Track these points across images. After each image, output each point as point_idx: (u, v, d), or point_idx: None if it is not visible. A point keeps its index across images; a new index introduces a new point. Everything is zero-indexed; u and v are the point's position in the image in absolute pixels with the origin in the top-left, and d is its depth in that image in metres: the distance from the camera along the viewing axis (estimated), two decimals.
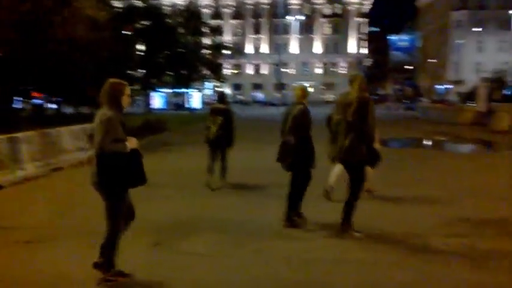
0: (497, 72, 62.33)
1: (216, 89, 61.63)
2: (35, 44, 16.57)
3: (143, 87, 41.02)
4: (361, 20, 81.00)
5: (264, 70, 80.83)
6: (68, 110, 29.40)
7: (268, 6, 79.55)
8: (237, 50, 76.01)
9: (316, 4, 79.54)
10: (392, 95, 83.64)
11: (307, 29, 79.81)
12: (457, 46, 72.95)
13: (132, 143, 3.83)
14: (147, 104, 44.86)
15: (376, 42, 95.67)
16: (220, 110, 8.10)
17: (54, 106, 31.28)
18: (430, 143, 17.60)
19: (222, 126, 7.86)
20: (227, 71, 68.71)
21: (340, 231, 5.22)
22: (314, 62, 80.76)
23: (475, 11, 71.43)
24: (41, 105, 32.88)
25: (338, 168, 6.45)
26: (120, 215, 3.85)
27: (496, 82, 58.02)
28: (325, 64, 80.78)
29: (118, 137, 3.73)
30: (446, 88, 68.25)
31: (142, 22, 40.09)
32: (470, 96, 46.20)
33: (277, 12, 78.06)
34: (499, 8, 69.81)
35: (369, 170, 5.71)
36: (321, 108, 47.42)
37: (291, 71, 78.69)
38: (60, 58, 17.56)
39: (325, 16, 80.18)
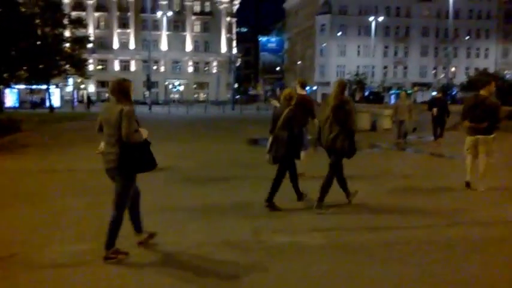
0: (358, 75, 67.93)
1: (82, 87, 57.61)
2: None
3: None
4: (230, 19, 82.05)
5: (132, 67, 77.53)
6: None
7: (134, 0, 76.30)
8: (102, 44, 72.01)
9: (186, 1, 78.53)
10: (263, 95, 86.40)
11: (178, 25, 78.34)
12: (322, 49, 77.79)
13: (144, 133, 4.41)
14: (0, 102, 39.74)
15: (246, 43, 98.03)
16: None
17: None
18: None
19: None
20: (92, 66, 64.33)
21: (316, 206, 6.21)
22: (185, 60, 79.69)
23: (338, 16, 76.65)
24: None
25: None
26: (129, 195, 4.46)
27: (357, 84, 63.24)
28: (196, 63, 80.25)
29: (136, 128, 4.29)
30: (312, 89, 72.46)
31: None
32: None
33: (145, 6, 75.19)
34: (360, 14, 75.88)
35: (302, 156, 7.18)
36: (195, 108, 46.08)
37: (161, 68, 76.63)
38: None
39: (195, 14, 79.58)
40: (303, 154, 7.49)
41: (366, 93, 61.93)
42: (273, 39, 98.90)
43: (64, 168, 10.21)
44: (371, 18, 68.16)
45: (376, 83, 70.76)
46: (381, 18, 69.01)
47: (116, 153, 4.30)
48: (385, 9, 76.63)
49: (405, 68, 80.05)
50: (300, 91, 8.24)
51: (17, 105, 45.45)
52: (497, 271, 4.38)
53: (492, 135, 7.52)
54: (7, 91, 44.32)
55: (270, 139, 6.41)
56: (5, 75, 38.19)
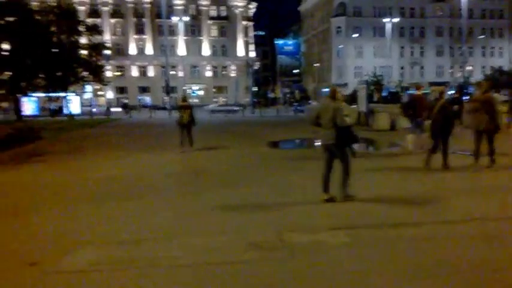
0: (375, 76, 66.85)
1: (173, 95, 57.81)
2: None
3: (10, 91, 36.20)
4: (247, 23, 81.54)
5: (150, 72, 77.45)
6: None
7: (150, 6, 76.28)
8: (119, 50, 72.11)
9: (202, 6, 78.25)
10: (281, 98, 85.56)
11: (194, 30, 78.20)
12: (338, 51, 76.95)
13: (348, 120, 6.56)
14: (16, 110, 39.65)
15: (263, 46, 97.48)
16: (186, 105, 14.14)
17: None
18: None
19: (189, 115, 13.74)
20: (109, 73, 64.35)
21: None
22: (203, 65, 79.40)
23: (353, 18, 75.98)
24: None
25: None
26: (349, 158, 6.64)
27: (375, 85, 62.11)
28: (214, 67, 79.85)
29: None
30: None
31: (6, 18, 35.29)
32: (353, 98, 48.44)
33: (161, 12, 75.11)
34: (374, 16, 75.16)
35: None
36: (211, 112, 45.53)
37: (179, 73, 76.36)
38: None
39: (211, 18, 79.26)
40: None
41: (384, 94, 60.71)
42: (290, 42, 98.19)
43: (86, 175, 10.03)
44: (386, 20, 67.33)
45: (393, 83, 69.93)
46: (395, 20, 68.12)
47: (333, 134, 6.46)
48: (399, 10, 76.48)
49: (422, 67, 79.68)
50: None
51: (36, 113, 45.41)
52: None
53: None
54: (25, 99, 44.26)
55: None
56: (21, 83, 38.10)
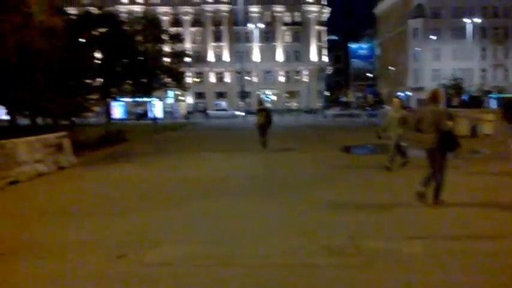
0: (455, 79, 64.19)
1: (253, 98, 60.72)
2: None
3: (102, 96, 39.77)
4: (320, 28, 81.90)
5: (227, 78, 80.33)
6: (24, 121, 27.83)
7: (228, 14, 79.20)
8: (199, 57, 75.53)
9: (277, 12, 79.87)
10: (354, 102, 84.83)
11: (268, 37, 79.95)
12: (415, 54, 74.74)
13: (449, 125, 6.52)
14: (107, 114, 43.47)
15: (337, 51, 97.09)
16: (262, 108, 15.99)
17: (7, 117, 29.55)
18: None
19: (265, 117, 15.32)
20: (189, 79, 67.74)
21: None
22: (277, 70, 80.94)
23: (431, 20, 73.52)
24: None
25: None
26: (443, 164, 6.60)
27: (454, 88, 59.77)
28: (287, 72, 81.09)
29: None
30: (406, 95, 69.73)
31: (99, 30, 38.94)
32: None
33: (237, 20, 77.77)
34: (453, 17, 72.15)
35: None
36: (287, 117, 46.82)
37: (253, 79, 78.53)
38: (10, 67, 16.41)
39: (285, 24, 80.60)
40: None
41: (464, 98, 58.17)
42: (364, 45, 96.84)
43: (169, 175, 10.78)
44: (466, 20, 64.26)
45: (474, 86, 66.49)
46: (477, 20, 64.74)
47: (435, 138, 6.41)
48: (481, 11, 72.46)
49: (506, 70, 74.84)
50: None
51: (124, 116, 49.20)
52: None
53: None
54: (115, 104, 48.16)
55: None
56: (111, 89, 41.60)
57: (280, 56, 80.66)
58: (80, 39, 30.96)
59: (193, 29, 79.56)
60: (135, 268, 4.52)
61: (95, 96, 35.65)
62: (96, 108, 45.37)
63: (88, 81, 33.32)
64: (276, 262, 4.60)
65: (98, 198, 8.18)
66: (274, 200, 7.61)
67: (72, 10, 39.78)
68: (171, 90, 54.86)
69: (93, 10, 41.50)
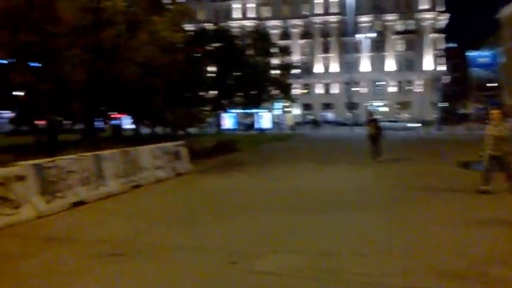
0: None
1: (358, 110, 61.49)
2: (113, 67, 17.02)
3: (214, 108, 41.74)
4: (436, 35, 77.73)
5: (334, 89, 79.59)
6: (145, 130, 30.23)
7: (337, 25, 78.66)
8: (306, 69, 75.97)
9: (388, 21, 77.49)
10: (474, 114, 78.88)
11: (378, 46, 77.85)
12: None
13: None
14: (218, 124, 45.51)
15: (454, 59, 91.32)
16: (372, 119, 16.61)
17: (131, 126, 32.32)
18: None
19: (376, 129, 15.75)
20: (296, 90, 68.31)
21: None
22: (386, 81, 78.36)
23: None
24: (118, 126, 34.25)
25: None
26: None
27: None
28: (399, 82, 78.06)
29: None
30: None
31: (213, 44, 41.09)
32: None
33: (347, 30, 76.90)
34: None
35: None
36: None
37: (362, 90, 76.82)
38: (135, 80, 17.95)
39: (397, 33, 77.84)
40: None
41: None
42: (485, 53, 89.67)
43: (278, 185, 10.82)
44: None
45: None
46: None
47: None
48: None
49: None
50: None
51: (234, 127, 51.14)
52: None
53: None
54: (226, 115, 50.27)
55: None
56: (223, 101, 43.55)
57: (391, 65, 78.00)
58: (196, 54, 32.86)
59: (301, 41, 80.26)
60: (246, 275, 4.65)
61: (208, 108, 37.62)
62: (209, 119, 47.82)
63: (202, 93, 35.24)
64: (381, 282, 4.36)
65: (210, 205, 8.52)
66: (382, 213, 7.42)
67: (189, 26, 42.44)
68: (278, 101, 55.82)
69: (208, 26, 43.93)
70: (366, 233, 6.22)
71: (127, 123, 34.27)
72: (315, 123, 58.75)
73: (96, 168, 9.51)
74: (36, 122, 20.69)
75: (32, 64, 16.21)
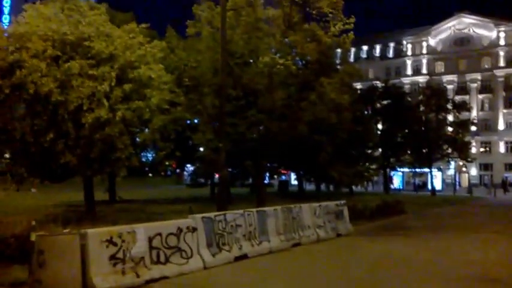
0: None
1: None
2: (283, 126, 17.96)
3: (381, 166, 40.63)
4: None
5: None
6: (309, 186, 30.86)
7: None
8: (486, 125, 69.41)
9: None
10: None
11: None
12: None
13: None
14: (385, 183, 43.94)
15: None
16: None
17: (296, 182, 33.35)
18: None
19: None
20: (474, 149, 62.51)
21: None
22: None
23: None
24: (286, 182, 35.65)
25: None
26: None
27: None
28: None
29: None
30: None
31: (382, 102, 40.64)
32: None
33: None
34: None
35: None
36: None
37: None
38: (302, 137, 18.63)
39: None
40: None
41: None
42: None
43: (446, 257, 9.94)
44: None
45: None
46: None
47: None
48: None
49: None
50: None
51: (401, 187, 48.76)
52: None
53: None
54: (393, 174, 48.40)
55: None
56: (391, 159, 42.24)
57: None
58: (365, 112, 32.85)
59: (481, 96, 74.12)
60: None
61: (374, 166, 36.74)
62: (374, 177, 46.69)
63: (369, 150, 34.71)
64: None
65: (376, 276, 8.10)
66: None
67: (358, 85, 42.89)
68: (452, 160, 51.68)
69: (378, 84, 43.74)
70: None
71: (293, 179, 35.44)
72: (504, 184, 50.80)
73: (260, 224, 9.92)
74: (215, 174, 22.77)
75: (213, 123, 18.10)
